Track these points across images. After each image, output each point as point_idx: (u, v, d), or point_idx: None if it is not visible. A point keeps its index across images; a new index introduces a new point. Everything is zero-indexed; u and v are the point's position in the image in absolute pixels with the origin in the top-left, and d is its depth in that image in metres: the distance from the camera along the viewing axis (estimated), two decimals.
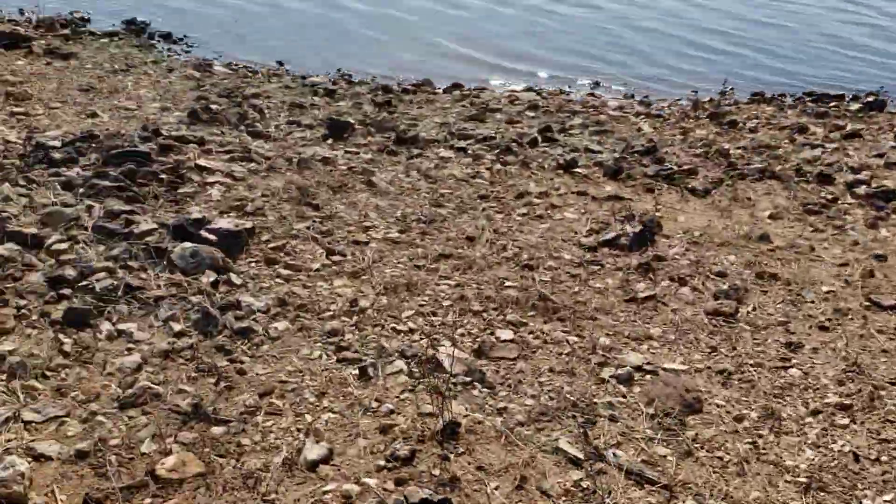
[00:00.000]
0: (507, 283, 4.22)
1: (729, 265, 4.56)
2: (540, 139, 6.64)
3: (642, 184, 5.70)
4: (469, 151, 6.28)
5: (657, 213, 5.17)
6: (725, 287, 4.27)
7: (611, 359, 3.60)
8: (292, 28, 10.66)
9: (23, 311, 3.55)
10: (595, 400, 3.29)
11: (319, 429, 2.95)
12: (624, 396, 3.34)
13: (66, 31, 9.51)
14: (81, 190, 4.83)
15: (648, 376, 3.49)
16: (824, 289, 4.35)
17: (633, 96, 8.56)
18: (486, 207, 5.22)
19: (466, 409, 3.15)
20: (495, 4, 12.18)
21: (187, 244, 4.09)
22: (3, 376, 3.09)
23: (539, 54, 10.08)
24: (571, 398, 3.28)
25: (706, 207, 5.38)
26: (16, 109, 6.73)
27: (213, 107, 6.93)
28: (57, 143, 5.67)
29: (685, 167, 5.94)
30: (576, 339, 3.75)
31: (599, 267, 4.50)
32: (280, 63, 9.27)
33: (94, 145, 5.65)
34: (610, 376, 3.46)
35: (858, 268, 4.58)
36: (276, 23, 10.79)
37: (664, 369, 3.55)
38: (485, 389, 3.30)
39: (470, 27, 11.14)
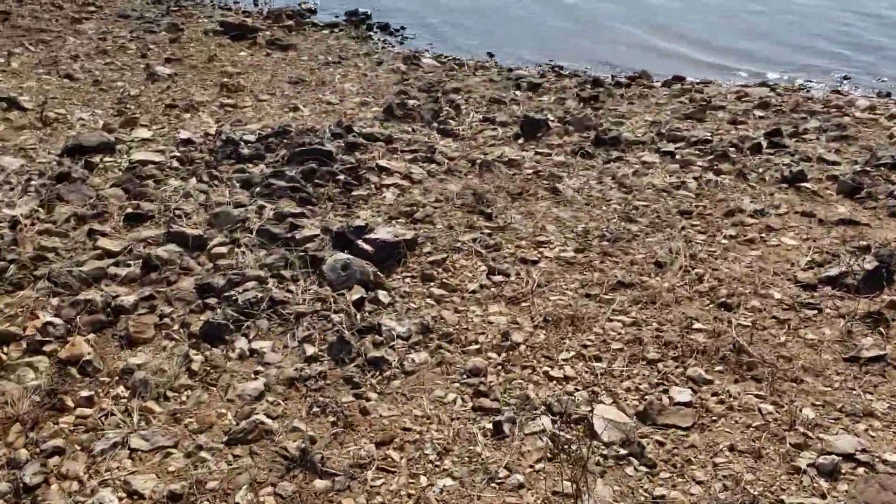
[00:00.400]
0: (696, 326, 3.54)
1: None
2: (765, 144, 5.74)
3: (886, 206, 4.68)
4: (677, 156, 5.55)
5: None
6: None
7: (813, 440, 2.85)
8: (509, 21, 10.32)
9: (165, 319, 3.45)
10: (783, 497, 2.59)
11: (431, 499, 2.53)
12: (823, 496, 2.60)
13: (290, 23, 9.82)
14: (258, 189, 4.76)
15: (861, 470, 2.71)
16: None
17: (888, 95, 7.27)
18: (685, 226, 4.51)
19: (614, 491, 2.59)
20: None
21: (340, 255, 3.83)
22: (126, 393, 2.98)
23: (766, 49, 8.97)
24: (752, 491, 2.60)
25: None
26: (226, 101, 6.94)
27: (411, 102, 6.73)
28: (251, 138, 5.71)
29: None
30: (771, 407, 3.02)
31: (816, 312, 3.67)
32: (490, 55, 8.96)
33: (285, 141, 5.62)
34: (808, 465, 2.73)
35: None
36: (494, 15, 10.49)
37: (885, 462, 2.74)
38: (642, 468, 2.70)
39: (688, 20, 10.16)
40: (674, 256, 4.12)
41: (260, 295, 3.55)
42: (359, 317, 3.49)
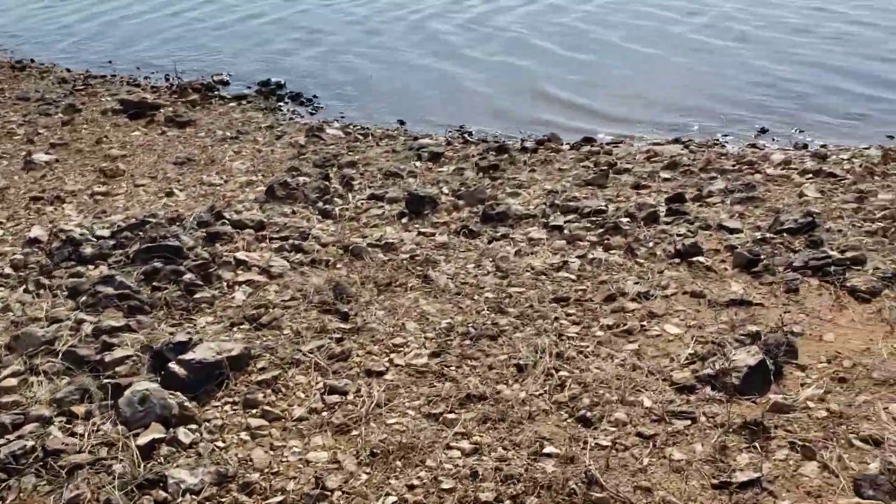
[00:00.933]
0: (547, 449, 3.03)
1: (892, 426, 3.08)
2: (663, 212, 5.31)
3: (783, 280, 4.24)
4: (565, 231, 5.10)
5: (794, 329, 3.74)
6: (876, 467, 2.81)
7: None
8: (424, 84, 9.91)
9: None
10: None
11: None
12: None
13: (195, 97, 9.38)
14: (84, 298, 4.23)
15: None
16: None
17: (805, 146, 6.93)
18: (559, 317, 4.03)
19: None
20: (630, 43, 10.78)
21: (140, 386, 3.30)
22: None
23: (691, 100, 8.64)
24: None
25: (869, 318, 3.85)
26: (98, 189, 6.47)
27: (300, 179, 6.27)
28: (106, 233, 5.21)
29: (849, 254, 4.40)
30: None
31: (690, 422, 3.18)
32: (401, 122, 8.56)
33: (140, 235, 5.12)
34: None
35: None
36: (410, 80, 10.07)
37: None
38: None
39: (611, 73, 9.87)
40: (538, 357, 3.63)
41: (30, 444, 3.00)
42: (144, 466, 2.94)
